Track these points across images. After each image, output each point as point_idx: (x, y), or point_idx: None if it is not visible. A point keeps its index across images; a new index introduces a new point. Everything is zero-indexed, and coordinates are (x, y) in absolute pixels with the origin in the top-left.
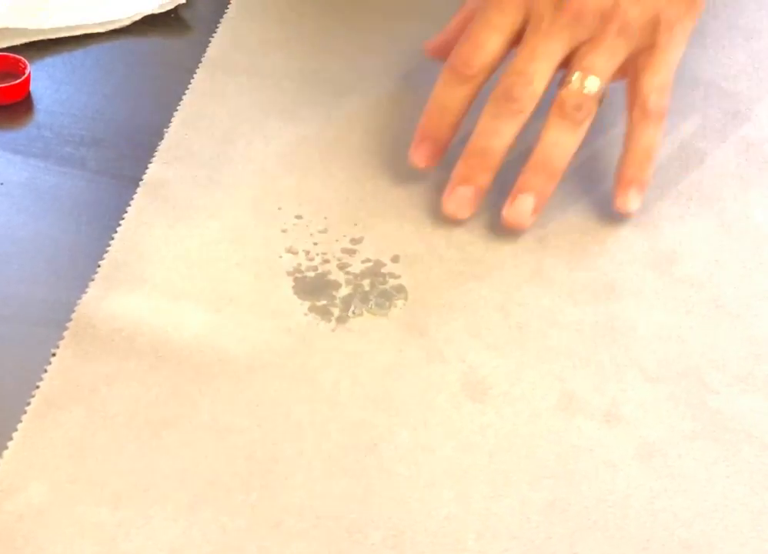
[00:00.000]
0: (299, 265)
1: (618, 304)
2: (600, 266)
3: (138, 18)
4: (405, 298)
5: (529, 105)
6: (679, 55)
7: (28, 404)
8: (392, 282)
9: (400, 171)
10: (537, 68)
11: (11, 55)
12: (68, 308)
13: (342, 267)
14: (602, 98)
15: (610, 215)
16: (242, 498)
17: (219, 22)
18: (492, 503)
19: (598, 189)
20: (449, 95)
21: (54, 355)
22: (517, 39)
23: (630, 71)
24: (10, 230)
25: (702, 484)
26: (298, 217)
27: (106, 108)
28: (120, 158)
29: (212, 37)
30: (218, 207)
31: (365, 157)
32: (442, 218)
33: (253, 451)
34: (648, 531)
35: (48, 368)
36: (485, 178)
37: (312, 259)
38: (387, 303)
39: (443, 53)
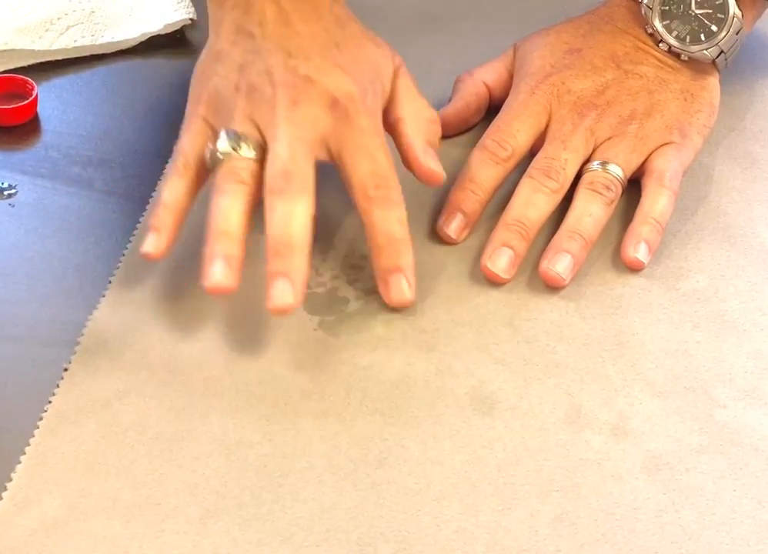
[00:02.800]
0: (309, 280)
1: (625, 319)
2: (607, 281)
3: (144, 38)
4: (414, 314)
5: (563, 186)
6: (692, 155)
7: (41, 419)
8: None
9: (407, 189)
10: (568, 157)
11: (19, 76)
12: (78, 327)
13: (351, 282)
14: (624, 187)
15: (615, 231)
16: (253, 512)
17: None
18: (501, 516)
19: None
20: (482, 174)
21: (65, 370)
22: (539, 140)
23: (645, 166)
24: (19, 250)
25: (710, 497)
26: None
27: (113, 129)
28: (127, 178)
29: None
30: None
31: None
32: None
33: (264, 464)
34: (656, 544)
35: (60, 383)
36: (522, 246)
37: (321, 275)
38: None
39: (452, 129)
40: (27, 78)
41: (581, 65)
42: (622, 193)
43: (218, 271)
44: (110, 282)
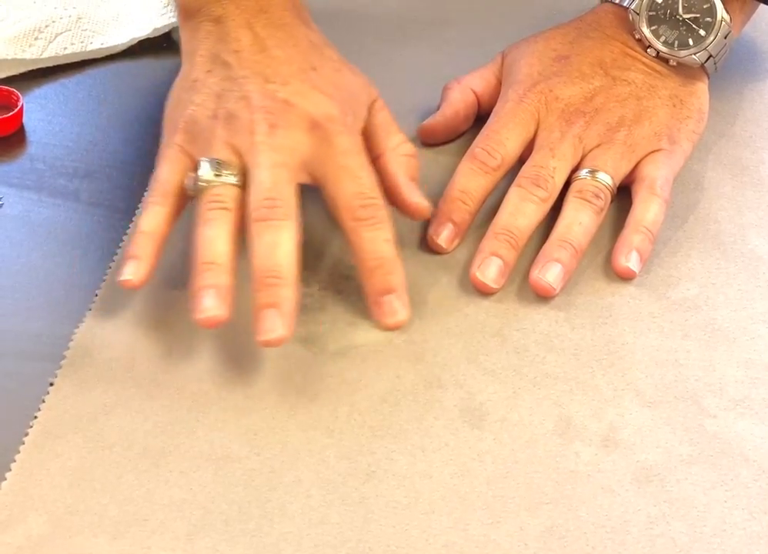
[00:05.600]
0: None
1: (615, 328)
2: (597, 290)
3: (134, 42)
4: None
5: (552, 194)
6: (682, 161)
7: (26, 435)
8: None
9: None
10: (557, 165)
11: (4, 87)
12: (64, 341)
13: (339, 293)
14: (614, 195)
15: (606, 239)
16: (241, 527)
17: None
18: (491, 530)
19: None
20: (471, 184)
21: (51, 385)
22: (529, 147)
23: (635, 173)
24: (4, 263)
25: (701, 509)
26: None
27: (99, 139)
28: (114, 189)
29: None
30: None
31: None
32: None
33: (251, 479)
34: None
35: (46, 398)
36: (511, 255)
37: (309, 286)
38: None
39: (440, 137)
40: (12, 89)
41: (569, 72)
42: (612, 201)
43: (210, 303)
44: (96, 295)
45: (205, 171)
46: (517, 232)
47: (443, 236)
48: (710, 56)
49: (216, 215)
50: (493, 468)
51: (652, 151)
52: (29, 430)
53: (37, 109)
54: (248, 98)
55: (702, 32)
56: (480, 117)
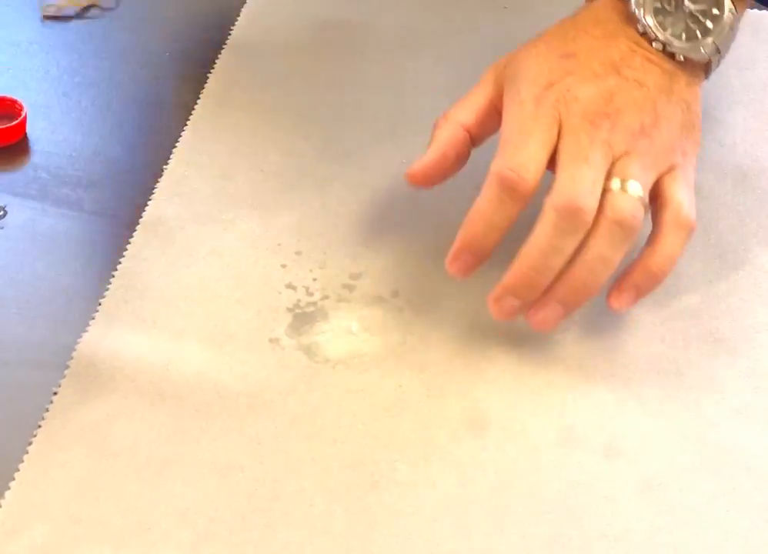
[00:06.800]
0: (299, 301)
1: (616, 337)
2: (598, 299)
3: None
4: (404, 334)
5: (591, 216)
6: (693, 179)
7: (30, 444)
8: None
9: (399, 208)
10: (593, 176)
11: (8, 96)
12: (68, 350)
13: (341, 302)
14: (647, 207)
15: None
16: (245, 536)
17: (216, 59)
18: (494, 539)
19: None
20: (498, 212)
21: (55, 394)
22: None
23: (654, 192)
24: (7, 273)
25: (703, 518)
26: (298, 253)
27: (103, 149)
28: (117, 198)
29: (210, 73)
30: (218, 244)
31: (363, 193)
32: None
33: (255, 489)
34: None
35: (50, 407)
36: (534, 296)
37: (311, 294)
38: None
39: (429, 182)
40: (15, 98)
41: (581, 71)
42: (646, 212)
43: None
44: (100, 305)
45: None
46: (548, 273)
47: (460, 266)
48: (717, 49)
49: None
50: (496, 478)
51: (670, 167)
52: (33, 439)
53: (40, 118)
54: None
55: (709, 24)
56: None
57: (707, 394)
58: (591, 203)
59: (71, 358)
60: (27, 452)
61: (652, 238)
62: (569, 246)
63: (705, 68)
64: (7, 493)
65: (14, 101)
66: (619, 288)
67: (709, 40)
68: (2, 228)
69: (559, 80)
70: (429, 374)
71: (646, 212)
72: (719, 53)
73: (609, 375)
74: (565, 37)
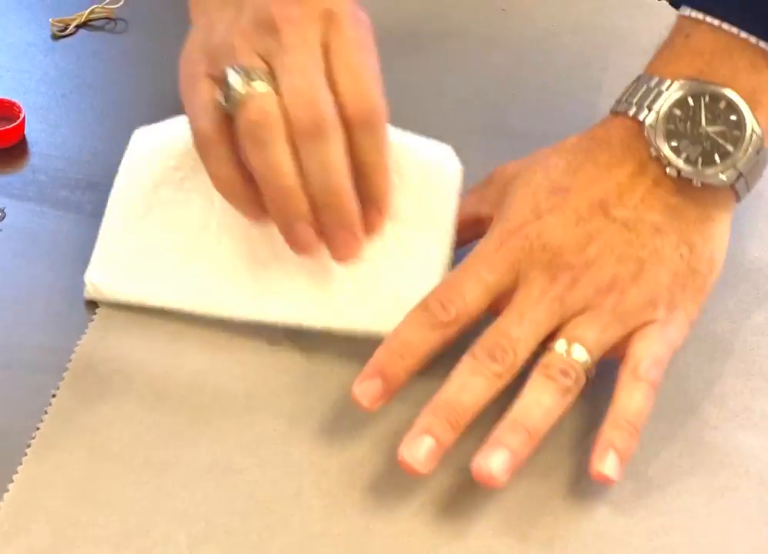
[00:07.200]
0: None
1: None
2: None
3: None
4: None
5: (508, 371)
6: (679, 337)
7: (29, 446)
8: None
9: None
10: (522, 334)
11: (6, 98)
12: (66, 353)
13: None
14: (591, 371)
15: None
16: (243, 539)
17: None
18: (492, 540)
19: None
20: (415, 337)
21: (54, 396)
22: (500, 300)
23: (625, 346)
24: (6, 275)
25: (701, 520)
26: None
27: (101, 151)
28: None
29: None
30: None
31: None
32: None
33: (253, 491)
34: None
35: (48, 409)
36: (449, 437)
37: None
38: None
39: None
40: (14, 100)
41: (563, 210)
42: (589, 379)
43: (302, 238)
44: (98, 307)
45: (234, 78)
46: (460, 410)
47: (368, 391)
48: (740, 175)
49: (266, 135)
50: None
51: (646, 323)
52: (31, 442)
53: (39, 121)
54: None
55: (729, 147)
56: None
57: (705, 396)
58: (506, 357)
59: (70, 360)
60: (26, 455)
61: (613, 397)
62: (481, 390)
63: (734, 194)
64: (6, 495)
65: (12, 104)
66: (596, 452)
67: (730, 165)
68: (1, 230)
69: (534, 220)
70: (429, 376)
71: (589, 375)
72: (743, 177)
73: (607, 377)
74: (568, 166)
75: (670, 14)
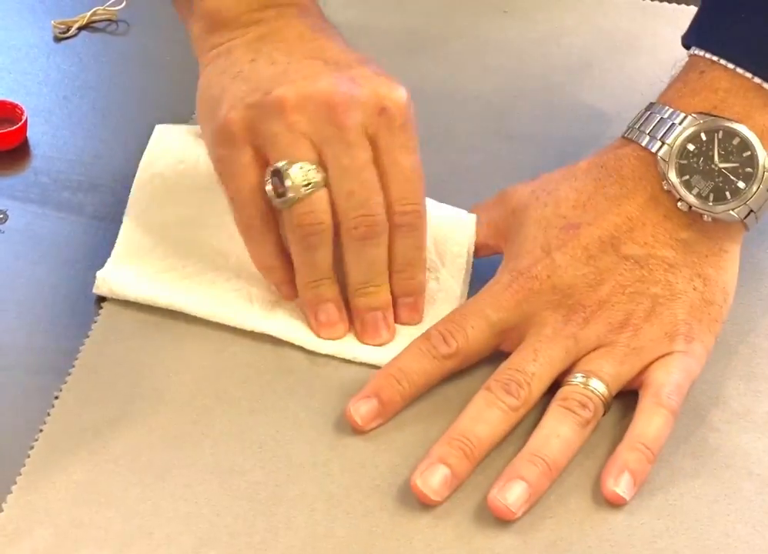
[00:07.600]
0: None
1: None
2: None
3: None
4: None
5: (523, 405)
6: (698, 367)
7: (31, 448)
8: None
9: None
10: (537, 370)
11: (8, 101)
12: (69, 355)
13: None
14: (609, 404)
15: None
16: (246, 541)
17: None
18: (495, 543)
19: None
20: (415, 365)
21: (56, 398)
22: (507, 338)
23: (641, 378)
24: (8, 277)
25: (704, 522)
26: None
27: (103, 153)
28: (118, 202)
29: None
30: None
31: None
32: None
33: (256, 492)
34: None
35: (51, 411)
36: (464, 467)
37: None
38: None
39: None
40: (16, 102)
41: (573, 249)
42: (606, 411)
43: (325, 318)
44: (101, 309)
45: (290, 180)
46: (475, 441)
47: (362, 411)
48: (751, 211)
49: (316, 241)
50: None
51: (663, 355)
52: (34, 444)
53: (41, 123)
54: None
55: (741, 184)
56: None
57: (708, 398)
58: (521, 392)
59: (73, 363)
60: (29, 457)
61: (633, 421)
62: (497, 423)
63: (743, 226)
64: (9, 497)
65: (14, 106)
66: (610, 472)
67: (741, 202)
68: (3, 232)
69: (544, 259)
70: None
71: (607, 408)
72: (753, 214)
73: None
74: (577, 199)
75: (670, 16)
